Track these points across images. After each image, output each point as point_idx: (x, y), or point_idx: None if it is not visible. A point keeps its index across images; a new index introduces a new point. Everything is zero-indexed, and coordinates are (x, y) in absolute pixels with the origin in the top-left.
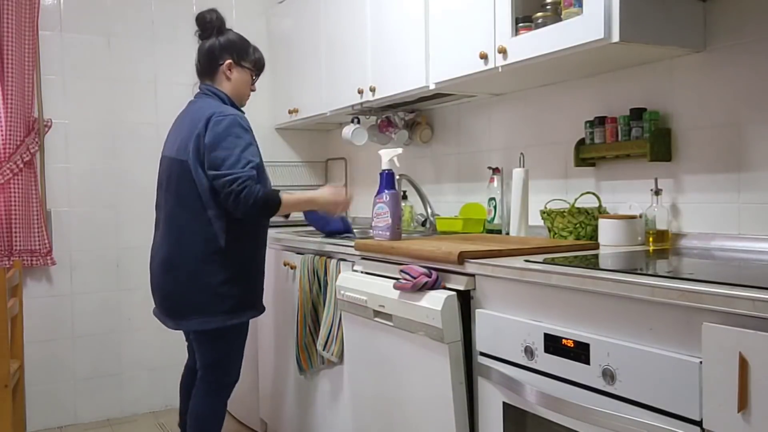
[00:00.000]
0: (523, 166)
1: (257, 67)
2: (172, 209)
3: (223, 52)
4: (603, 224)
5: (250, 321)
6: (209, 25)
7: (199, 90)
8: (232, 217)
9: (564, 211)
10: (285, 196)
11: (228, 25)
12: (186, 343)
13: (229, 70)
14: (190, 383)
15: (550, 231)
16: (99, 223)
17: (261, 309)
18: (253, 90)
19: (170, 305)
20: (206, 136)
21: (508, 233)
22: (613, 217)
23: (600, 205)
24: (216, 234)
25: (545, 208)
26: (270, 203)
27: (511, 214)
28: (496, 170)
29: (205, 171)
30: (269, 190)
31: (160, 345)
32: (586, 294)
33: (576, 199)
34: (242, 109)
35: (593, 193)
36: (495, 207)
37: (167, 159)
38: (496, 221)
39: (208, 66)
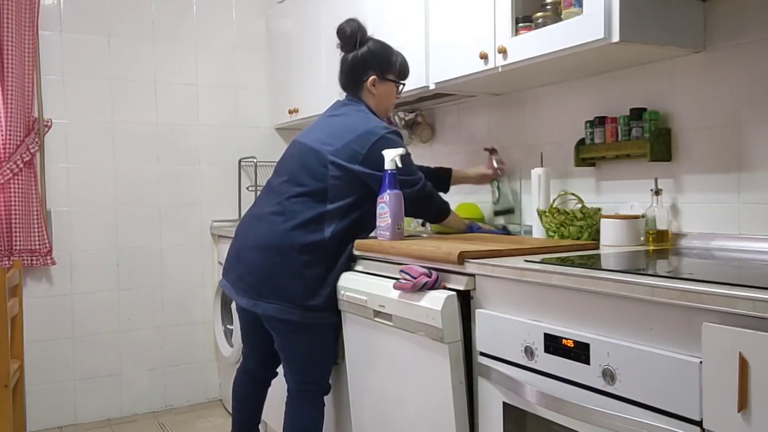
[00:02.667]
0: (543, 165)
1: (401, 76)
2: (287, 191)
3: (366, 68)
4: (605, 224)
5: None
6: (350, 37)
7: (346, 98)
8: (344, 217)
9: (546, 211)
10: (452, 210)
11: (228, 25)
12: (242, 345)
13: (373, 85)
14: (250, 391)
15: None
16: (99, 223)
17: (339, 314)
18: (398, 98)
19: (254, 282)
20: (365, 147)
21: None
22: (615, 217)
23: (583, 205)
24: (323, 228)
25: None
26: (444, 211)
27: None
28: (493, 151)
29: (344, 172)
30: (443, 199)
31: (160, 345)
32: (586, 294)
33: (554, 200)
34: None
35: (572, 194)
36: (498, 188)
37: (302, 145)
38: (502, 202)
39: (351, 82)
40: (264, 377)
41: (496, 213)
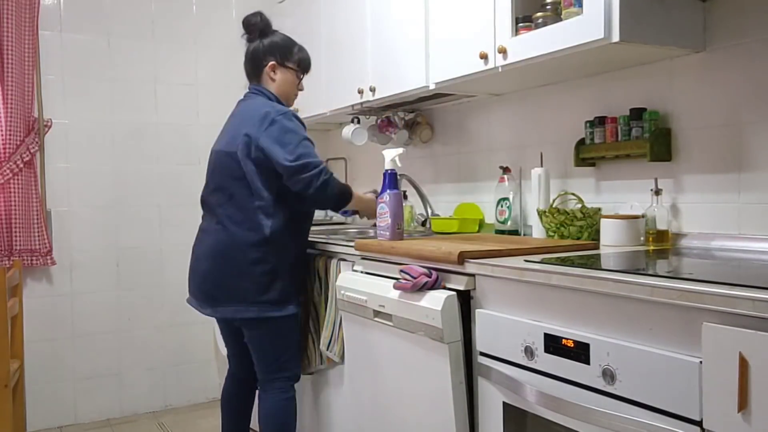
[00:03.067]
0: (543, 166)
1: (301, 67)
2: (219, 199)
3: (266, 54)
4: (605, 224)
5: None
6: (253, 27)
7: (248, 90)
8: (279, 209)
9: (546, 211)
10: (355, 191)
11: (227, 25)
12: (226, 352)
13: (273, 71)
14: (235, 393)
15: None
16: (99, 223)
17: (299, 305)
18: (301, 89)
19: (209, 290)
20: (265, 131)
21: (525, 234)
22: (615, 217)
23: (583, 205)
24: (261, 224)
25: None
26: (345, 194)
27: (532, 214)
28: (506, 170)
29: (256, 163)
30: (342, 182)
31: (160, 345)
32: (586, 294)
33: (554, 200)
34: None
35: (572, 194)
36: (509, 208)
37: (216, 152)
38: (509, 222)
39: (253, 68)
40: (246, 378)
41: (498, 232)
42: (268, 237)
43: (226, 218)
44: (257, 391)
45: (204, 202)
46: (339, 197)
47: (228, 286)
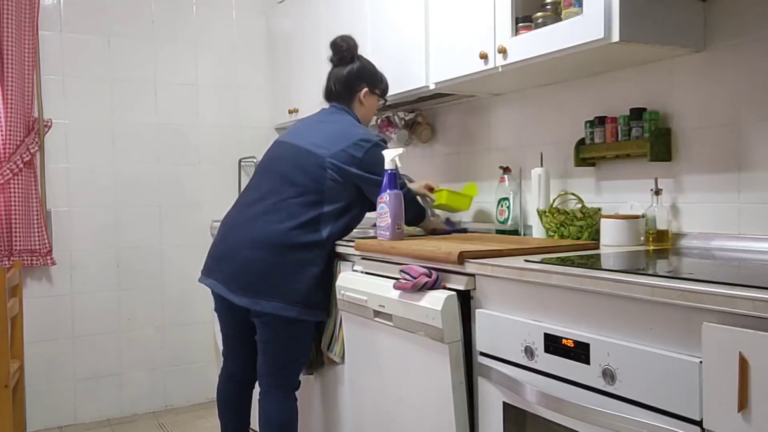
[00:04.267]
0: (543, 166)
1: (385, 93)
2: (283, 191)
3: (359, 79)
4: (605, 224)
5: None
6: (346, 53)
7: (332, 106)
8: (339, 218)
9: (546, 211)
10: (428, 215)
11: (228, 25)
12: (223, 348)
13: (365, 97)
14: (234, 395)
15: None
16: (99, 223)
17: (326, 312)
18: (376, 114)
19: (251, 281)
20: (361, 152)
21: (525, 234)
22: (615, 217)
23: (583, 205)
24: (320, 227)
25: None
26: (423, 210)
27: (532, 214)
28: (507, 170)
29: (342, 176)
30: (420, 205)
31: (160, 345)
32: (586, 294)
33: (554, 200)
34: None
35: (572, 194)
36: (509, 208)
37: (295, 147)
38: (510, 222)
39: (345, 90)
40: (248, 379)
41: (498, 232)
42: (324, 241)
43: (287, 212)
44: (259, 395)
45: (259, 186)
46: (416, 219)
47: (275, 281)
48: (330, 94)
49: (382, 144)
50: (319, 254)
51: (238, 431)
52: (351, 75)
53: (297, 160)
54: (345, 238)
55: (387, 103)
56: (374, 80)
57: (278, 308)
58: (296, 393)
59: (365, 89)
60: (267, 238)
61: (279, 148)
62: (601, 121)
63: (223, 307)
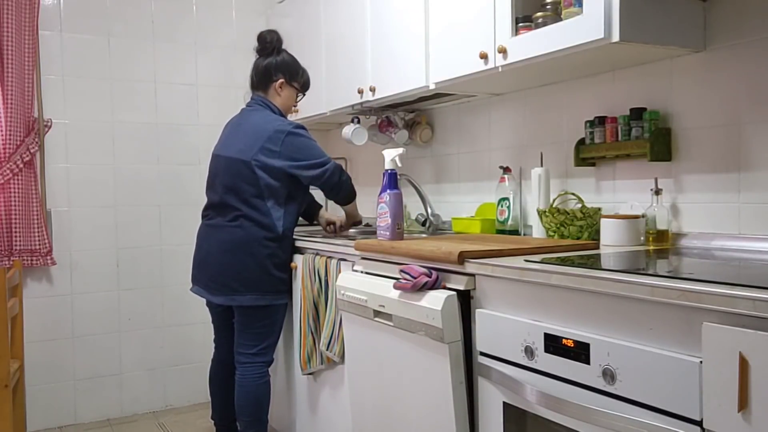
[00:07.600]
0: (543, 165)
1: (304, 88)
2: (232, 200)
3: (277, 71)
4: (605, 224)
5: None
6: (269, 45)
7: (252, 100)
8: (288, 211)
9: (546, 211)
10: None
11: (228, 25)
12: (214, 337)
13: (281, 87)
14: (223, 377)
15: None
16: (99, 223)
17: (291, 295)
18: (295, 106)
19: (226, 281)
20: (278, 144)
21: (525, 234)
22: (615, 217)
23: (583, 205)
24: (275, 224)
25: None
26: (353, 191)
27: (532, 214)
28: (507, 169)
29: (272, 173)
30: (351, 184)
31: (160, 345)
32: (586, 294)
33: (554, 200)
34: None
35: (572, 194)
36: (509, 207)
37: (227, 158)
38: (510, 222)
39: (262, 81)
40: (230, 361)
41: (498, 231)
42: (281, 234)
43: (242, 217)
44: (236, 373)
45: (213, 202)
46: (348, 196)
47: (246, 277)
48: (251, 83)
49: (297, 130)
50: (279, 246)
51: (226, 405)
52: (270, 66)
53: (230, 170)
54: (345, 240)
55: (305, 96)
56: (292, 73)
57: (252, 300)
58: (269, 372)
59: (281, 80)
60: (232, 242)
61: (215, 163)
62: (601, 121)
63: (209, 304)
